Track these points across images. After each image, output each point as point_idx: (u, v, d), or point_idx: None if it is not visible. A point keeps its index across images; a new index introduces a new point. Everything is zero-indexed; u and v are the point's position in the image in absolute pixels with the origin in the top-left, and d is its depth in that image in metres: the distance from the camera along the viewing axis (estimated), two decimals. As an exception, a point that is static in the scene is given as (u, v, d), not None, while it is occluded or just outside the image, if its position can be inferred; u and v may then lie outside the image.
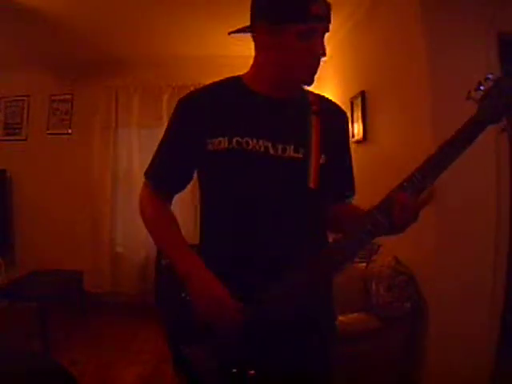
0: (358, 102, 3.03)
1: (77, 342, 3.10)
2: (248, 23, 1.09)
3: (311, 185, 1.02)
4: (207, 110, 1.07)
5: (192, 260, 1.05)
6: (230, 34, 1.14)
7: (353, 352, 2.04)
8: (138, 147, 4.05)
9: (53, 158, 4.11)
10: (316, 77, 1.06)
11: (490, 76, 0.96)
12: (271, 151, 1.03)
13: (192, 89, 4.30)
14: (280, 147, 1.03)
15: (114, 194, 4.08)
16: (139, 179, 4.03)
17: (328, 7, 0.99)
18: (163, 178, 1.15)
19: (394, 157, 2.45)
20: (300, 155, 1.03)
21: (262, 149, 1.02)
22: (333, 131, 1.11)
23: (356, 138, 3.04)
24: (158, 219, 1.14)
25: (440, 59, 2.03)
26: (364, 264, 2.38)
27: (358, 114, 3.05)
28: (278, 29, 0.98)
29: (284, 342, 1.00)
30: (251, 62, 1.12)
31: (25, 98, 4.19)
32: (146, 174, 1.17)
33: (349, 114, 3.16)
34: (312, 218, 1.07)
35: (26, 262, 3.84)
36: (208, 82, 1.17)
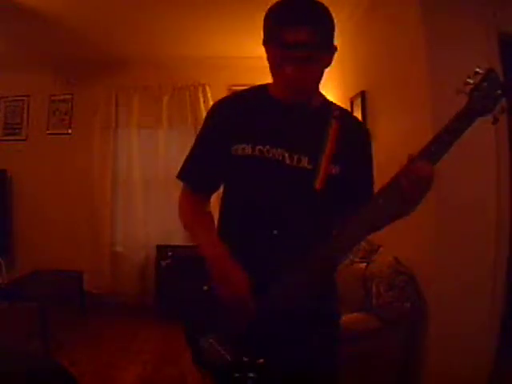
0: (358, 102, 3.03)
1: (77, 341, 3.11)
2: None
3: (317, 186, 1.08)
4: (234, 117, 1.15)
5: (221, 246, 1.12)
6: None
7: (353, 352, 2.04)
8: (137, 147, 4.05)
9: (53, 158, 4.11)
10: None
11: (479, 70, 0.98)
12: (287, 161, 1.09)
13: (192, 89, 4.29)
14: (296, 157, 1.09)
15: (113, 194, 4.08)
16: (139, 179, 4.04)
17: (306, 35, 0.98)
18: (197, 179, 1.23)
19: (394, 157, 2.44)
20: (311, 166, 1.09)
21: (280, 157, 1.09)
22: (351, 143, 1.15)
23: (356, 138, 3.03)
24: (195, 213, 1.23)
25: (440, 59, 2.03)
26: (364, 264, 2.38)
27: (358, 114, 3.04)
28: (265, 49, 1.06)
29: (289, 337, 1.05)
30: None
31: (25, 97, 4.19)
32: (180, 175, 1.24)
33: (349, 114, 3.17)
34: (319, 221, 1.11)
35: (26, 262, 3.84)
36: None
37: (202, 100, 3.93)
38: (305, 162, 1.09)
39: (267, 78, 1.13)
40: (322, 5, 1.03)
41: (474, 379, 2.04)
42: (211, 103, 2.75)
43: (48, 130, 4.17)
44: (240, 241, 1.12)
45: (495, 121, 0.99)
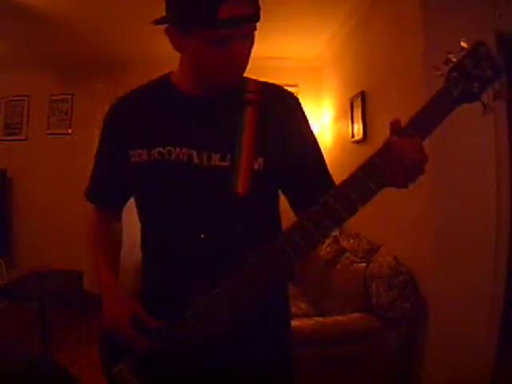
0: (358, 102, 3.03)
1: (77, 341, 3.10)
2: None
3: (240, 191, 0.90)
4: (129, 119, 1.00)
5: (106, 277, 1.09)
6: (153, 23, 0.96)
7: (353, 352, 2.04)
8: (137, 147, 4.05)
9: (53, 158, 4.10)
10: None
11: (465, 44, 0.80)
12: (195, 160, 0.93)
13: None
14: (205, 155, 0.93)
15: (113, 194, 4.08)
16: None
17: (248, 6, 0.83)
18: (99, 195, 1.12)
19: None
20: (227, 163, 0.92)
21: (186, 158, 0.93)
22: (277, 124, 0.96)
23: (356, 137, 3.03)
24: (92, 235, 1.16)
25: (440, 60, 2.03)
26: (364, 264, 2.38)
27: (358, 113, 3.05)
28: (188, 33, 0.87)
29: (204, 367, 0.92)
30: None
31: (25, 97, 4.19)
32: (86, 195, 1.13)
33: (349, 114, 3.16)
34: (244, 229, 0.92)
35: (26, 262, 3.84)
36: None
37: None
38: (216, 160, 0.92)
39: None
40: None
41: (474, 379, 2.04)
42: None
43: (48, 129, 4.17)
44: (163, 251, 1.03)
45: (486, 109, 0.78)
